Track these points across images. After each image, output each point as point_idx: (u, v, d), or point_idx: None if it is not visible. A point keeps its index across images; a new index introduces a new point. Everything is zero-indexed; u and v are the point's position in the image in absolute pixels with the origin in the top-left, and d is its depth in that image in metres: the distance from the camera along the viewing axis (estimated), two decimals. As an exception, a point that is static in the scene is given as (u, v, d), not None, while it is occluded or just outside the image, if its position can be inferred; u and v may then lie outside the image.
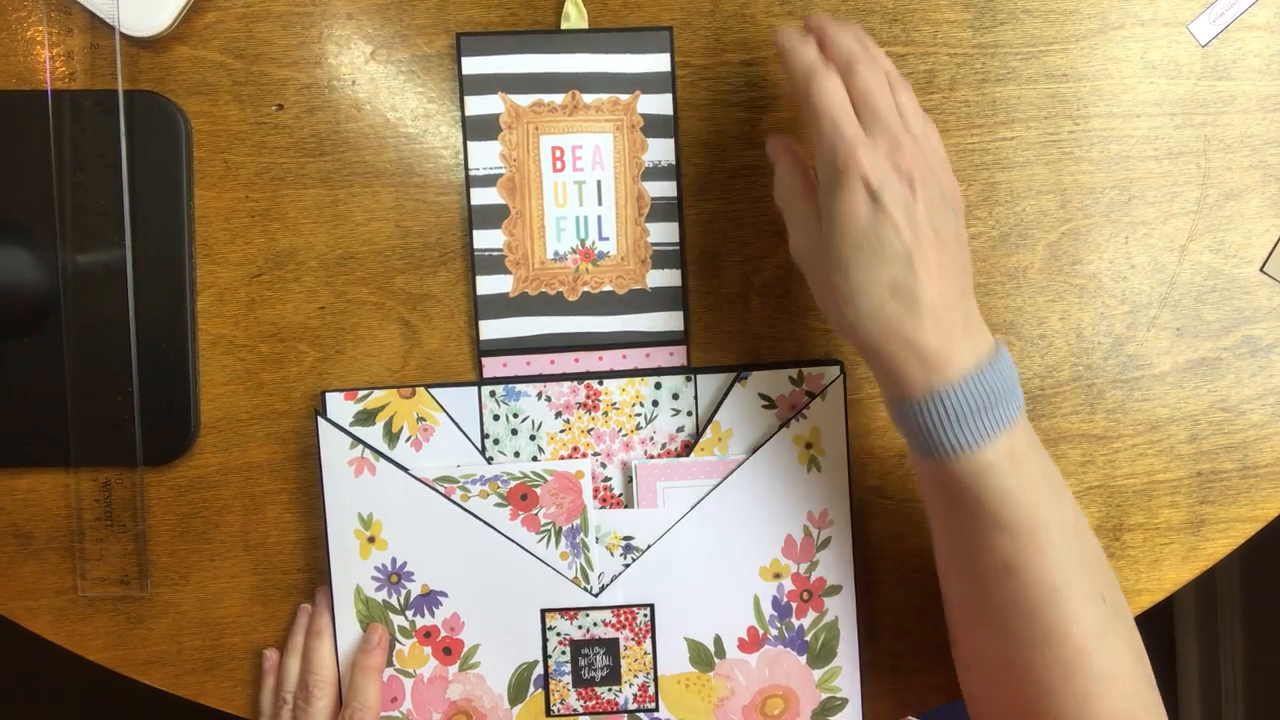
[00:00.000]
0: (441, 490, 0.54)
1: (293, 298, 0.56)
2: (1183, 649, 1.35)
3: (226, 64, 0.55)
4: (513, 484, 0.54)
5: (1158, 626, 1.36)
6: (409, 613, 0.55)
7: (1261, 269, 0.58)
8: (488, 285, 0.55)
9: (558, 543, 0.54)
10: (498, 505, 0.54)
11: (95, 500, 0.56)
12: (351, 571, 0.54)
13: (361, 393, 0.54)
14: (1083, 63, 0.56)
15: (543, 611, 0.55)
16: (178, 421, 0.55)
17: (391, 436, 0.55)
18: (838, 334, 0.49)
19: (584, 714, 0.56)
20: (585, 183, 0.55)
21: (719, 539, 0.54)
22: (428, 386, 0.55)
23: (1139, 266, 0.57)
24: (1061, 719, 0.45)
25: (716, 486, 0.54)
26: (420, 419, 0.55)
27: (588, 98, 0.54)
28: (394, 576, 0.54)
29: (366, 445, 0.53)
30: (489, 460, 0.55)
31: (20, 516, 0.56)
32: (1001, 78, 0.56)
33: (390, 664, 0.55)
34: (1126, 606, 0.47)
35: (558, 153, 0.55)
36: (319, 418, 0.54)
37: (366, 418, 0.54)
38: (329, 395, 0.54)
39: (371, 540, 0.54)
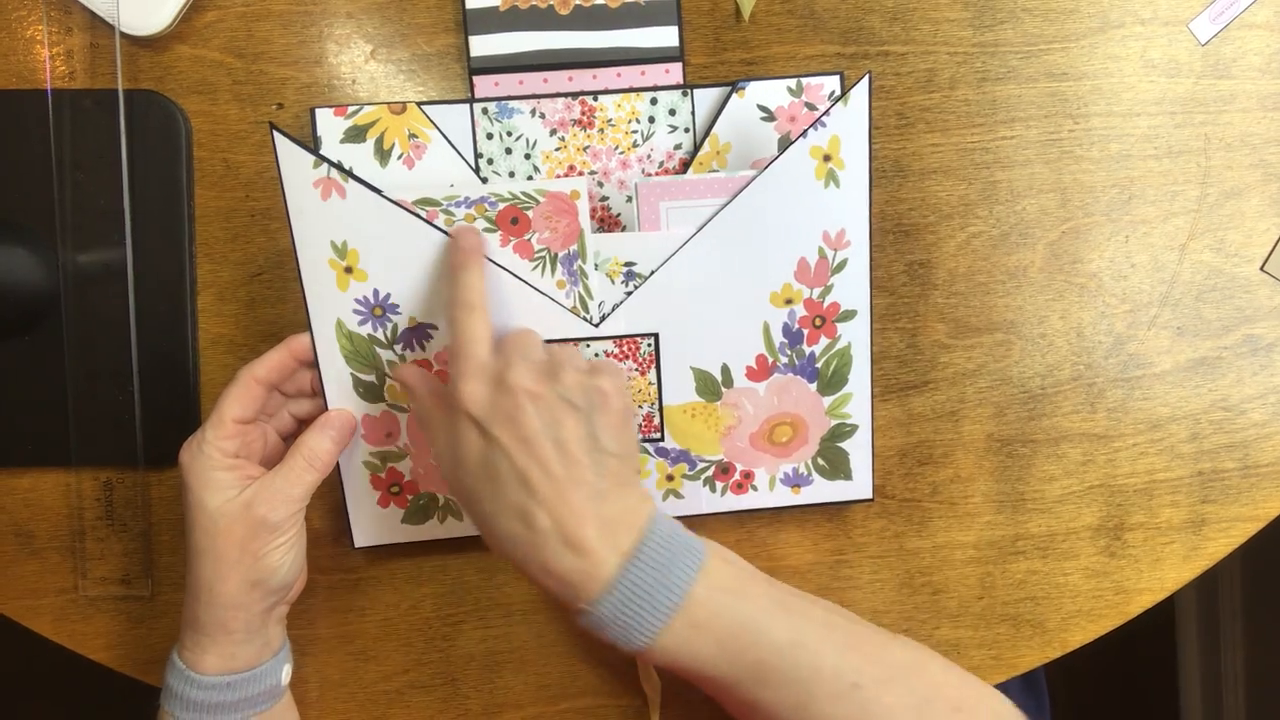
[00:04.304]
0: (422, 215, 0.50)
1: (293, 297, 0.56)
2: (1183, 649, 1.34)
3: (226, 63, 0.55)
4: (502, 206, 0.50)
5: (1159, 626, 1.36)
6: (398, 346, 0.51)
7: (1262, 268, 0.58)
8: None
9: (554, 270, 0.51)
10: (486, 230, 0.50)
11: (96, 500, 0.56)
12: (331, 305, 0.51)
13: (351, 108, 0.53)
14: (1083, 61, 0.56)
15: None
16: (178, 421, 0.55)
17: (383, 154, 0.53)
18: None
19: None
20: None
21: (727, 263, 0.51)
22: (419, 103, 0.54)
23: (1139, 265, 0.57)
24: None
25: (725, 206, 0.51)
26: (412, 135, 0.53)
27: None
28: (377, 309, 0.51)
29: (332, 164, 0.48)
30: (483, 180, 0.54)
31: (21, 516, 0.56)
32: (1001, 76, 0.56)
33: (382, 399, 0.52)
34: (905, 669, 0.46)
35: None
36: (274, 131, 0.48)
37: (357, 134, 0.53)
38: (318, 110, 0.53)
39: (349, 270, 0.50)
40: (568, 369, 0.45)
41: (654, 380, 0.54)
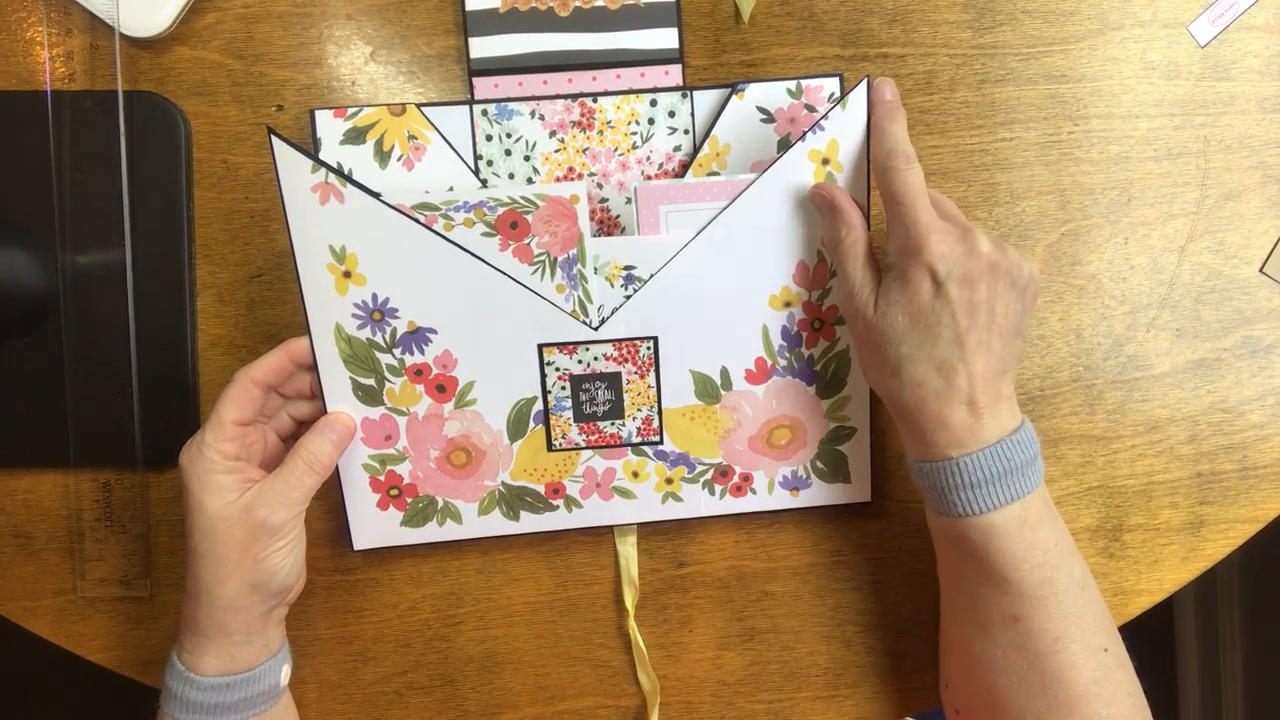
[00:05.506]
0: (421, 219, 0.49)
1: (292, 298, 0.56)
2: (1183, 649, 1.34)
3: (226, 65, 0.55)
4: (501, 211, 0.50)
5: (1158, 627, 1.36)
6: (396, 350, 0.52)
7: (1261, 270, 0.58)
8: None
9: (553, 274, 0.51)
10: (485, 235, 0.50)
11: (95, 501, 0.56)
12: (329, 309, 0.51)
13: (351, 110, 0.53)
14: (1082, 63, 0.56)
15: (540, 347, 0.53)
16: (177, 422, 0.55)
17: (383, 155, 0.53)
18: (872, 385, 0.50)
19: (586, 447, 0.55)
20: None
21: (726, 266, 0.52)
22: (419, 105, 0.54)
23: (1138, 267, 0.57)
24: None
25: (724, 209, 0.51)
26: (411, 137, 0.53)
27: None
28: (376, 314, 0.51)
29: (330, 169, 0.48)
30: (483, 182, 0.54)
31: (20, 517, 0.56)
32: (1001, 78, 0.56)
33: (381, 402, 0.53)
34: (1127, 658, 0.49)
35: None
36: (272, 136, 0.47)
37: (357, 136, 0.53)
38: (318, 112, 0.53)
39: (348, 275, 0.50)
40: (1010, 247, 0.47)
41: (653, 383, 0.54)
